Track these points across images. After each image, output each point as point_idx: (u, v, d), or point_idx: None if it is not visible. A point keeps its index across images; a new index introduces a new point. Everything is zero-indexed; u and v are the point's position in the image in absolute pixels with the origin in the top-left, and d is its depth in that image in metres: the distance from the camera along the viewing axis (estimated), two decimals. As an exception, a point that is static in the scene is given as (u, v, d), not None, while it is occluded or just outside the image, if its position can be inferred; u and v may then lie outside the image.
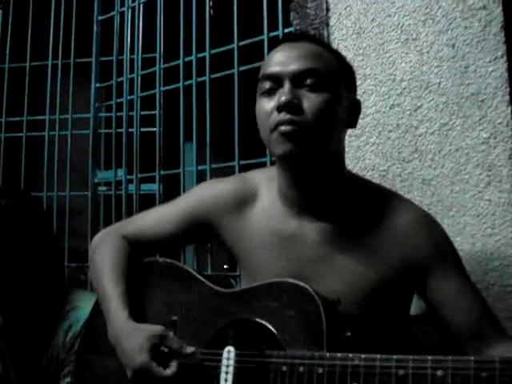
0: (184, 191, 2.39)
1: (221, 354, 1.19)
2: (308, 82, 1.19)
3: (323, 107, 1.18)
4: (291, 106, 1.17)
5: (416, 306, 1.41)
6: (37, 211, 1.62)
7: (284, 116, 1.17)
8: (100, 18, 2.81)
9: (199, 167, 2.34)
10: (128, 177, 2.62)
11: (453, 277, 1.23)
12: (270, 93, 1.22)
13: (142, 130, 2.60)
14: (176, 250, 2.04)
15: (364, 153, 1.83)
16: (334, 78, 1.22)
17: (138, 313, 1.31)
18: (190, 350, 1.21)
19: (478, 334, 1.20)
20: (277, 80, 1.21)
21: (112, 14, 2.76)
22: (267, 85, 1.22)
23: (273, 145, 1.21)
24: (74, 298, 1.62)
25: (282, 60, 1.22)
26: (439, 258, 1.24)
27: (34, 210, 1.61)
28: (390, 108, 1.82)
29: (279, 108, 1.17)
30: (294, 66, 1.20)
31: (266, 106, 1.22)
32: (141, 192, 2.58)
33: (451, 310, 1.21)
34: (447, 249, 1.27)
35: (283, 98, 1.17)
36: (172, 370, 1.18)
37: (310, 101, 1.18)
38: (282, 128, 1.17)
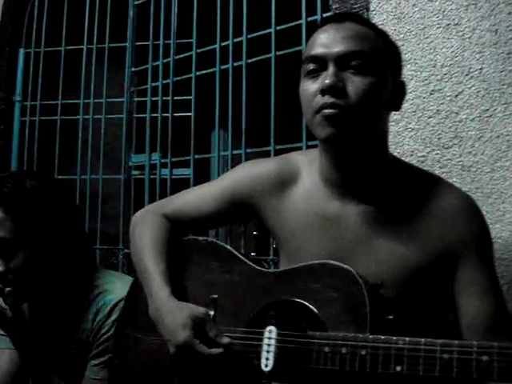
0: (218, 175, 2.40)
1: (262, 334, 1.19)
2: (353, 64, 1.17)
3: (367, 91, 1.17)
4: (335, 90, 1.15)
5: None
6: (62, 194, 1.61)
7: (328, 99, 1.16)
8: (136, 2, 2.83)
9: (234, 152, 2.35)
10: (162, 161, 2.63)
11: (480, 268, 1.22)
12: (314, 74, 1.21)
13: (176, 114, 2.60)
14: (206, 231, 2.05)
15: (403, 138, 1.82)
16: (379, 60, 1.20)
17: (178, 290, 1.32)
18: (225, 340, 1.21)
19: (490, 330, 1.19)
20: (321, 62, 1.19)
21: (148, -2, 2.77)
22: (311, 66, 1.21)
23: (316, 127, 1.20)
24: (104, 282, 1.61)
25: (326, 41, 1.20)
26: (473, 246, 1.23)
27: (60, 193, 1.60)
28: (430, 93, 1.80)
29: (323, 91, 1.16)
30: (338, 48, 1.18)
31: (310, 87, 1.20)
32: (174, 176, 2.59)
33: (470, 300, 1.21)
34: (483, 239, 1.26)
35: (327, 81, 1.16)
36: (218, 350, 1.19)
37: (355, 84, 1.16)
38: (326, 111, 1.16)
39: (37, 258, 1.51)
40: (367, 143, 1.22)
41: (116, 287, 1.57)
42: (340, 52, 1.18)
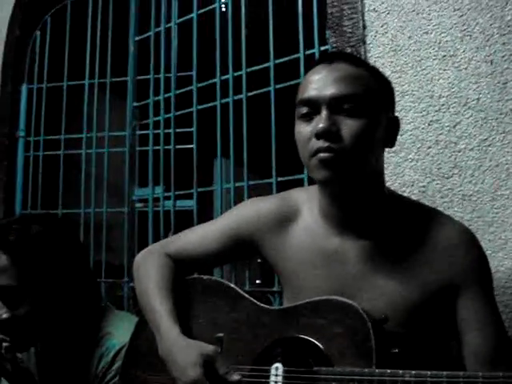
0: (221, 208, 2.42)
1: (269, 371, 1.20)
2: (346, 106, 1.19)
3: (361, 133, 1.19)
4: (329, 134, 1.17)
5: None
6: (68, 238, 1.60)
7: (323, 144, 1.18)
8: (136, 38, 2.87)
9: (236, 184, 2.37)
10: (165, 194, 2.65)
11: (480, 300, 1.23)
12: (308, 117, 1.23)
13: (179, 147, 2.63)
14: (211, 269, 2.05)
15: (403, 169, 1.84)
16: (372, 101, 1.22)
17: (184, 330, 1.32)
18: (235, 377, 1.20)
19: (493, 360, 1.20)
20: (314, 105, 1.21)
21: (148, 34, 2.81)
22: (304, 110, 1.23)
23: (312, 170, 1.23)
24: (108, 324, 1.58)
25: (318, 84, 1.22)
26: (473, 278, 1.24)
27: (66, 236, 1.59)
28: (429, 124, 1.82)
29: (318, 135, 1.18)
30: (330, 91, 1.20)
31: (305, 130, 1.22)
32: (177, 208, 2.61)
33: (471, 332, 1.22)
34: (482, 270, 1.27)
35: (321, 126, 1.18)
36: None
37: (348, 127, 1.18)
38: (321, 155, 1.18)
39: (43, 304, 1.50)
40: (363, 182, 1.24)
41: (120, 331, 1.54)
42: (332, 95, 1.19)
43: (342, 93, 1.19)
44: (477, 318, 1.22)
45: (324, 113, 1.19)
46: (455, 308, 1.24)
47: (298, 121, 1.26)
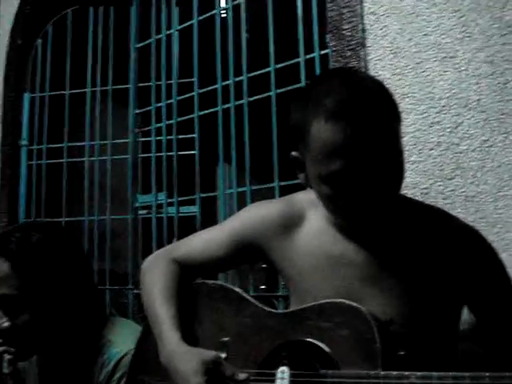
0: (224, 213, 2.42)
1: (275, 375, 1.19)
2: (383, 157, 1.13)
3: (400, 176, 1.21)
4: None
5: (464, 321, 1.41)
6: (70, 246, 1.59)
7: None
8: (137, 45, 2.89)
9: (239, 189, 2.37)
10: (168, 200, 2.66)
11: (501, 291, 1.24)
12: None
13: (181, 153, 2.64)
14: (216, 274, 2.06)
15: (405, 171, 1.84)
16: (398, 130, 1.17)
17: (189, 335, 1.32)
18: (242, 376, 1.19)
19: None
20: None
21: (149, 41, 2.83)
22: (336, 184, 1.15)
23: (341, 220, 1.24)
24: (110, 332, 1.56)
25: (348, 162, 1.11)
26: (488, 272, 1.24)
27: (67, 243, 1.58)
28: (430, 126, 1.83)
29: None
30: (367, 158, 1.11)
31: (335, 199, 1.18)
32: (181, 214, 2.61)
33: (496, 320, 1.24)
34: (497, 264, 1.27)
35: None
36: None
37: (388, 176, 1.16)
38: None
39: (44, 313, 1.49)
40: None
41: (121, 339, 1.53)
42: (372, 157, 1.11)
43: (380, 149, 1.12)
44: (503, 312, 1.23)
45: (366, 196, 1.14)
46: (474, 302, 1.25)
47: (321, 184, 1.18)
